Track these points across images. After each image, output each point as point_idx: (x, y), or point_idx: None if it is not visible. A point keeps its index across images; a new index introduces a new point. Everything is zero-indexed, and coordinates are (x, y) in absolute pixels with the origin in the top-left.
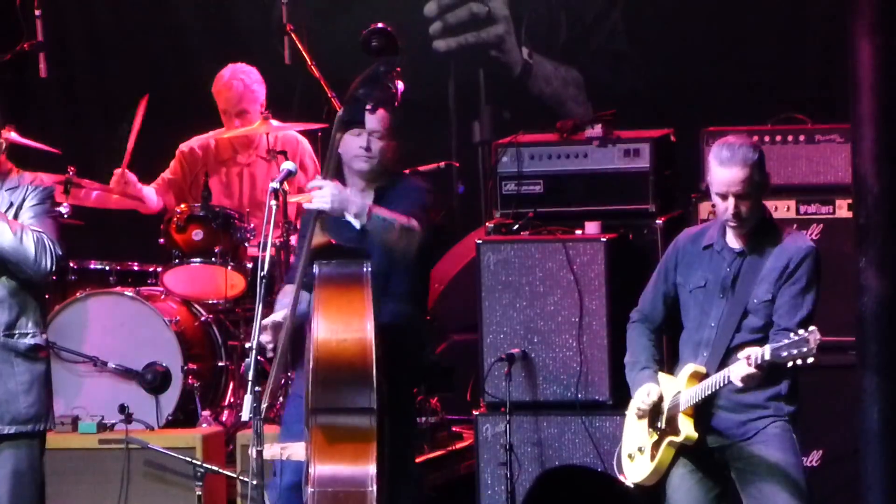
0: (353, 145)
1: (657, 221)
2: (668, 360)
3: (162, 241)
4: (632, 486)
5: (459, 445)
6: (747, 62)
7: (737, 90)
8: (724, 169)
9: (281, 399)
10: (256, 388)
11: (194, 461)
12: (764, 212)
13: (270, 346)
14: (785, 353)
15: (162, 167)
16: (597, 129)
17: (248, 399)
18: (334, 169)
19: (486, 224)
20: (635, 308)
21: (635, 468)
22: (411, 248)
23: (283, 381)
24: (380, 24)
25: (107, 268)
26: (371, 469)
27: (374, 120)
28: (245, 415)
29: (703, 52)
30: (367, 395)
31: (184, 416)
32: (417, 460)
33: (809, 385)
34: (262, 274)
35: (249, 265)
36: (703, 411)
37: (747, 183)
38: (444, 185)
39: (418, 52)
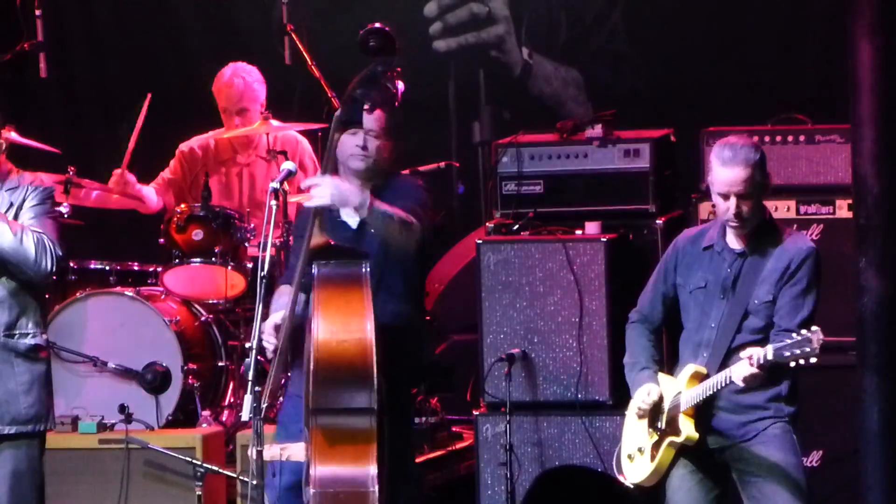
0: (349, 144)
1: (657, 222)
2: (667, 361)
3: (162, 241)
4: (631, 486)
5: (459, 445)
6: (747, 62)
7: (737, 90)
8: (725, 169)
9: (281, 399)
10: (256, 388)
11: (194, 461)
12: (764, 212)
13: (272, 348)
14: (788, 353)
15: (162, 167)
16: (597, 130)
17: (248, 399)
18: (333, 169)
19: (487, 224)
20: (634, 309)
21: (635, 469)
22: (410, 243)
23: (282, 381)
24: (377, 24)
25: (107, 268)
26: (372, 469)
27: (371, 119)
28: (245, 415)
29: (703, 52)
30: (367, 396)
31: (184, 416)
32: (417, 460)
33: (809, 385)
34: (262, 274)
35: (249, 265)
36: (703, 412)
37: (749, 183)
38: (444, 186)
39: (418, 53)
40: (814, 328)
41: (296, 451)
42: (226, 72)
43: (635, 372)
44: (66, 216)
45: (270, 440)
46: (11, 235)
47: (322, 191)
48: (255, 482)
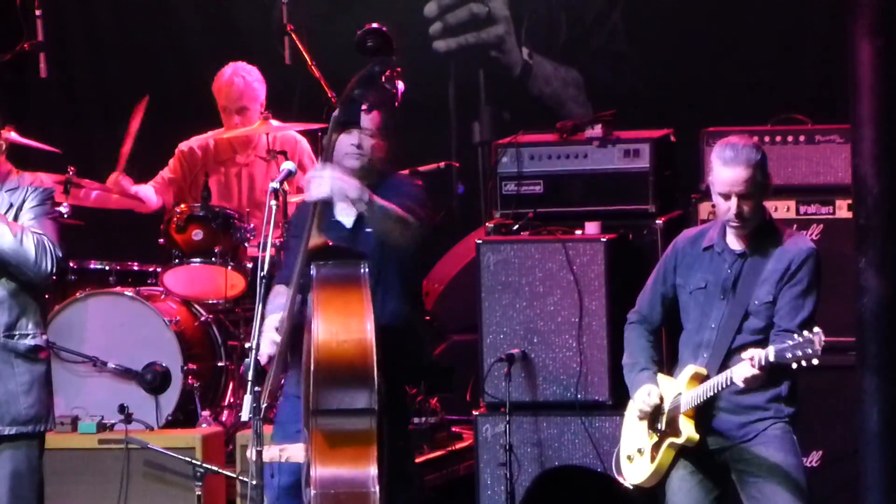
0: (344, 143)
1: (657, 222)
2: (667, 361)
3: (162, 241)
4: (631, 487)
5: (459, 446)
6: (747, 62)
7: (737, 90)
8: (727, 169)
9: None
10: (256, 388)
11: (194, 461)
12: (765, 213)
13: (273, 350)
14: (789, 355)
15: (162, 167)
16: (597, 130)
17: (247, 399)
18: None
19: (486, 224)
20: (632, 309)
21: (635, 469)
22: (407, 240)
23: (281, 381)
24: (374, 25)
25: (107, 268)
26: (372, 470)
27: (367, 119)
28: (245, 415)
29: (703, 52)
30: (367, 396)
31: (183, 417)
32: (417, 460)
33: (809, 385)
34: (262, 274)
35: (249, 265)
36: (703, 413)
37: (750, 183)
38: (444, 186)
39: (418, 53)
40: (815, 329)
41: (295, 452)
42: (226, 71)
43: (634, 373)
44: (65, 216)
45: (268, 441)
46: (11, 237)
47: (322, 182)
48: (254, 482)
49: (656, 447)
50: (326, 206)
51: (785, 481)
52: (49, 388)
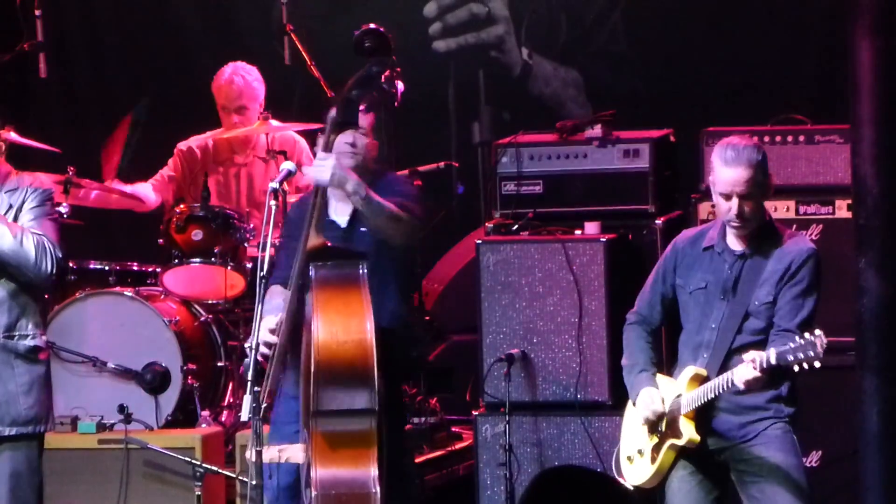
0: (339, 142)
1: (657, 222)
2: (667, 361)
3: (161, 241)
4: (632, 488)
5: (459, 446)
6: (747, 62)
7: (737, 90)
8: (728, 169)
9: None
10: (256, 389)
11: (193, 461)
12: (765, 214)
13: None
14: (791, 358)
15: (162, 167)
16: (596, 130)
17: (247, 399)
18: None
19: (486, 224)
20: (631, 310)
21: (635, 470)
22: (400, 236)
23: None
24: (372, 25)
25: (106, 268)
26: (373, 470)
27: (362, 118)
28: (244, 415)
29: (703, 52)
30: (368, 397)
31: (183, 417)
32: (417, 460)
33: (809, 386)
34: (262, 274)
35: (249, 265)
36: (703, 413)
37: (751, 183)
38: (444, 186)
39: (418, 53)
40: (817, 332)
41: (294, 452)
42: (225, 70)
43: (634, 374)
44: (65, 216)
45: (265, 442)
46: (11, 238)
47: (324, 169)
48: (254, 482)
49: (657, 448)
50: (322, 206)
51: (785, 481)
52: (49, 388)
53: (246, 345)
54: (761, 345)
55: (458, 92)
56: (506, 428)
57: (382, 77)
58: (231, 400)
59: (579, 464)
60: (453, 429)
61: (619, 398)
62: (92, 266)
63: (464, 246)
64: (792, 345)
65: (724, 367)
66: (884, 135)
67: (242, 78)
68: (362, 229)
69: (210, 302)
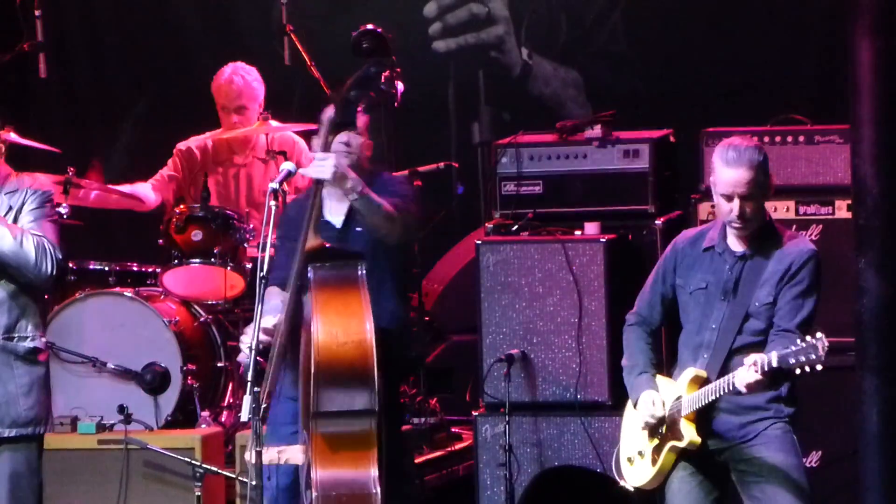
0: (333, 141)
1: (657, 222)
2: (666, 361)
3: (161, 241)
4: (632, 489)
5: (459, 446)
6: (747, 62)
7: (737, 90)
8: (729, 170)
9: None
10: (255, 389)
11: (193, 462)
12: (765, 214)
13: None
14: (793, 361)
15: (161, 167)
16: (596, 130)
17: (247, 399)
18: None
19: (486, 225)
20: (631, 311)
21: (636, 472)
22: (395, 235)
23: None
24: (370, 26)
25: (106, 268)
26: (373, 471)
27: (357, 117)
28: (244, 415)
29: (703, 52)
30: (368, 397)
31: (183, 417)
32: (417, 461)
33: (809, 386)
34: (262, 274)
35: (248, 266)
36: (703, 414)
37: (752, 184)
38: (444, 186)
39: (418, 53)
40: (818, 335)
41: (293, 453)
42: (225, 70)
43: (633, 376)
44: (65, 216)
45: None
46: (11, 239)
47: (325, 166)
48: (253, 483)
49: (657, 450)
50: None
51: (786, 481)
52: (48, 390)
53: (242, 344)
54: (761, 345)
55: (458, 92)
56: (506, 428)
57: (381, 78)
58: (231, 400)
59: (579, 464)
60: (453, 429)
61: (619, 398)
62: (92, 266)
63: (464, 246)
64: (794, 347)
65: (724, 367)
66: (884, 135)
67: (242, 78)
68: (358, 229)
69: (210, 302)
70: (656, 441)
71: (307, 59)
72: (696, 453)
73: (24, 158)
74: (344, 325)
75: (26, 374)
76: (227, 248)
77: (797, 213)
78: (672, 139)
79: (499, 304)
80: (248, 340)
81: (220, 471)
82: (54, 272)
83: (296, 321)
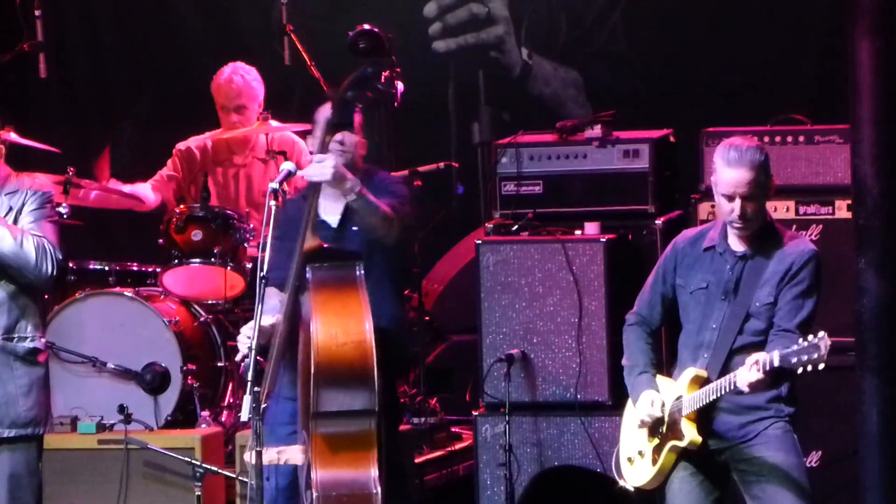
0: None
1: (657, 222)
2: (666, 361)
3: (161, 241)
4: (632, 489)
5: (459, 446)
6: (747, 62)
7: (737, 90)
8: (731, 170)
9: None
10: (255, 389)
11: (193, 461)
12: (766, 214)
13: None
14: (795, 360)
15: (161, 167)
16: (596, 130)
17: (247, 399)
18: None
19: (486, 225)
20: (631, 310)
21: (636, 472)
22: (390, 236)
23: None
24: (366, 26)
25: (106, 268)
26: (373, 471)
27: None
28: (244, 415)
29: (703, 52)
30: (368, 397)
31: (183, 417)
32: (417, 460)
33: (809, 386)
34: (262, 274)
35: (248, 266)
36: (704, 414)
37: (754, 184)
38: (444, 186)
39: (418, 53)
40: (820, 334)
41: (293, 454)
42: (225, 70)
43: (634, 376)
44: (65, 216)
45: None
46: (12, 240)
47: (325, 167)
48: (254, 483)
49: (657, 450)
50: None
51: (787, 480)
52: (47, 390)
53: (240, 345)
54: (762, 345)
55: (458, 92)
56: (506, 428)
57: (381, 78)
58: (231, 400)
59: (579, 464)
60: (453, 429)
61: (619, 398)
62: (92, 266)
63: (464, 246)
64: (795, 347)
65: (724, 367)
66: (884, 135)
67: (242, 77)
68: (354, 228)
69: (210, 302)
70: (656, 441)
71: (307, 59)
72: (697, 453)
73: (24, 158)
74: (343, 326)
75: (26, 374)
76: (227, 248)
77: (797, 213)
78: (672, 139)
79: (499, 304)
80: (245, 340)
81: (220, 471)
82: (54, 273)
83: (293, 322)
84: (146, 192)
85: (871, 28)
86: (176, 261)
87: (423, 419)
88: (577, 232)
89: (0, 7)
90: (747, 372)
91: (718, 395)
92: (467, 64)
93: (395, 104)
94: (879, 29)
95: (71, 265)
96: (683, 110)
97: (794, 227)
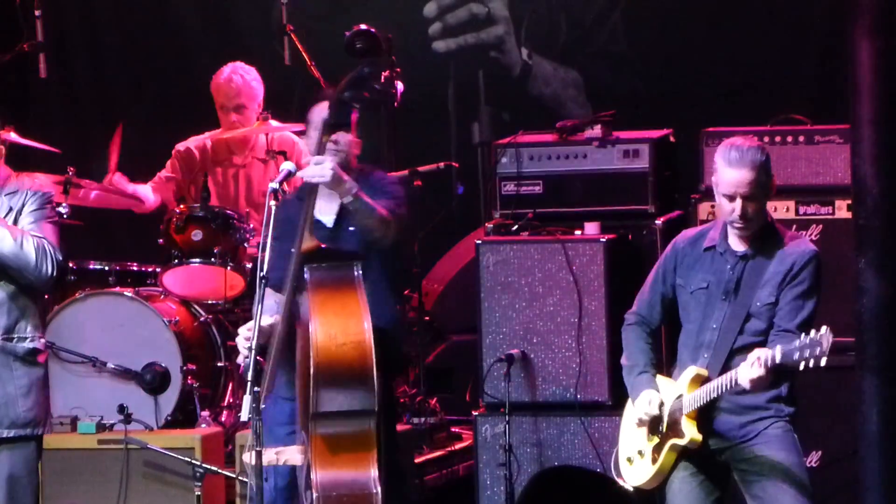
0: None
1: (657, 222)
2: (666, 361)
3: (161, 241)
4: (632, 489)
5: (458, 446)
6: (747, 62)
7: (737, 90)
8: (732, 170)
9: None
10: (255, 389)
11: (193, 461)
12: (767, 215)
13: (247, 346)
14: (797, 356)
15: (161, 167)
16: (596, 130)
17: (246, 399)
18: None
19: (486, 225)
20: (630, 310)
21: (635, 472)
22: (385, 237)
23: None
24: (363, 26)
25: (106, 268)
26: (374, 471)
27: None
28: (244, 415)
29: (703, 52)
30: (368, 397)
31: (183, 417)
32: (417, 460)
33: (809, 386)
34: (262, 274)
35: (248, 266)
36: (704, 414)
37: (755, 184)
38: (444, 186)
39: (418, 53)
40: (823, 328)
41: (291, 454)
42: (224, 69)
43: (633, 376)
44: (65, 216)
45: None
46: (12, 241)
47: (324, 169)
48: (253, 483)
49: (657, 449)
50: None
51: (788, 480)
52: (46, 391)
53: (239, 345)
54: (762, 346)
55: (458, 92)
56: (506, 428)
57: (378, 77)
58: (231, 400)
59: (579, 464)
60: (453, 429)
61: (619, 398)
62: (92, 266)
63: (464, 246)
64: (798, 342)
65: (725, 367)
66: (884, 135)
67: (241, 77)
68: (350, 228)
69: (210, 302)
70: (656, 440)
71: (307, 59)
72: (697, 453)
73: (24, 158)
74: (342, 326)
75: (25, 375)
76: (227, 248)
77: (797, 213)
78: (672, 139)
79: (499, 304)
80: (243, 341)
81: (220, 471)
82: (54, 274)
83: (291, 322)
84: (147, 193)
85: (871, 28)
86: (176, 261)
87: (423, 419)
88: (577, 232)
89: (0, 7)
90: (749, 368)
91: (720, 392)
92: (467, 64)
93: (395, 104)
94: (879, 29)
95: (71, 265)
96: (683, 110)
97: (794, 227)
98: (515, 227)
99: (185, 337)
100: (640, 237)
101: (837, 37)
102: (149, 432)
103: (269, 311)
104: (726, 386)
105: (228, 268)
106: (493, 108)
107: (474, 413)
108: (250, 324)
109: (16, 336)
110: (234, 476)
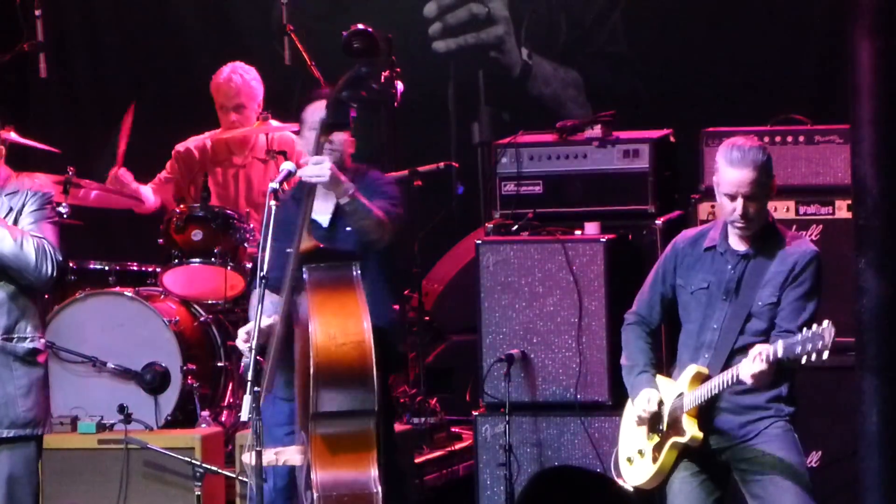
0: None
1: (657, 222)
2: (666, 361)
3: (161, 241)
4: (632, 489)
5: (458, 446)
6: (747, 62)
7: (737, 90)
8: (733, 170)
9: None
10: (255, 389)
11: (193, 461)
12: (767, 215)
13: (247, 347)
14: (799, 349)
15: (161, 167)
16: (596, 130)
17: (247, 399)
18: None
19: (486, 225)
20: (630, 310)
21: (636, 471)
22: (381, 237)
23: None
24: (360, 26)
25: (106, 268)
26: (374, 471)
27: None
28: (244, 415)
29: (703, 52)
30: (368, 397)
31: (183, 417)
32: (417, 460)
33: (809, 386)
34: (262, 274)
35: (248, 265)
36: (705, 413)
37: (756, 184)
38: (444, 186)
39: (418, 53)
40: (825, 323)
41: (291, 454)
42: (224, 69)
43: (633, 375)
44: (65, 216)
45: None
46: (12, 241)
47: (322, 168)
48: (253, 483)
49: (658, 448)
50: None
51: (788, 479)
52: (46, 391)
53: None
54: None
55: (458, 92)
56: (506, 428)
57: (372, 78)
58: (231, 400)
59: (579, 464)
60: (453, 429)
61: (619, 398)
62: (92, 266)
63: (464, 246)
64: (799, 337)
65: (725, 367)
66: (884, 135)
67: (241, 76)
68: (347, 228)
69: (210, 302)
70: (657, 439)
71: (307, 59)
72: (698, 453)
73: (24, 158)
74: (341, 326)
75: (25, 375)
76: (227, 248)
77: (797, 213)
78: (672, 139)
79: (499, 304)
80: (242, 342)
81: (220, 471)
82: (54, 274)
83: (289, 322)
84: (147, 193)
85: (871, 28)
86: (176, 261)
87: (423, 419)
88: (577, 232)
89: (0, 7)
90: (751, 363)
91: (721, 389)
92: (467, 64)
93: (395, 104)
94: (879, 29)
95: (71, 265)
96: (683, 110)
97: (795, 227)
98: (515, 227)
99: (185, 337)
100: (640, 237)
101: (837, 37)
102: (149, 432)
103: (267, 311)
104: (728, 382)
105: (228, 268)
106: (493, 108)
107: (474, 413)
108: (249, 325)
109: (16, 336)
110: (234, 476)
